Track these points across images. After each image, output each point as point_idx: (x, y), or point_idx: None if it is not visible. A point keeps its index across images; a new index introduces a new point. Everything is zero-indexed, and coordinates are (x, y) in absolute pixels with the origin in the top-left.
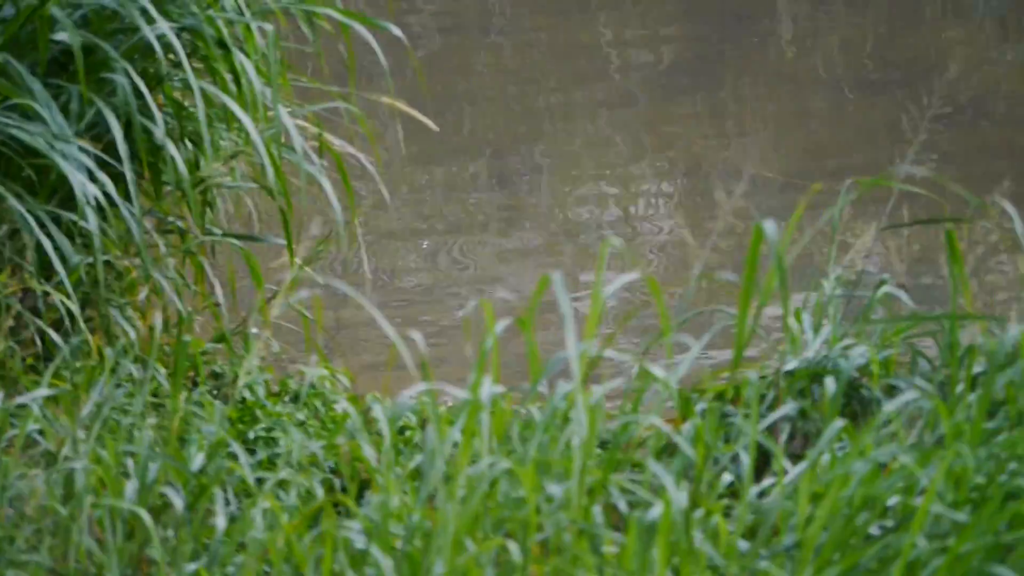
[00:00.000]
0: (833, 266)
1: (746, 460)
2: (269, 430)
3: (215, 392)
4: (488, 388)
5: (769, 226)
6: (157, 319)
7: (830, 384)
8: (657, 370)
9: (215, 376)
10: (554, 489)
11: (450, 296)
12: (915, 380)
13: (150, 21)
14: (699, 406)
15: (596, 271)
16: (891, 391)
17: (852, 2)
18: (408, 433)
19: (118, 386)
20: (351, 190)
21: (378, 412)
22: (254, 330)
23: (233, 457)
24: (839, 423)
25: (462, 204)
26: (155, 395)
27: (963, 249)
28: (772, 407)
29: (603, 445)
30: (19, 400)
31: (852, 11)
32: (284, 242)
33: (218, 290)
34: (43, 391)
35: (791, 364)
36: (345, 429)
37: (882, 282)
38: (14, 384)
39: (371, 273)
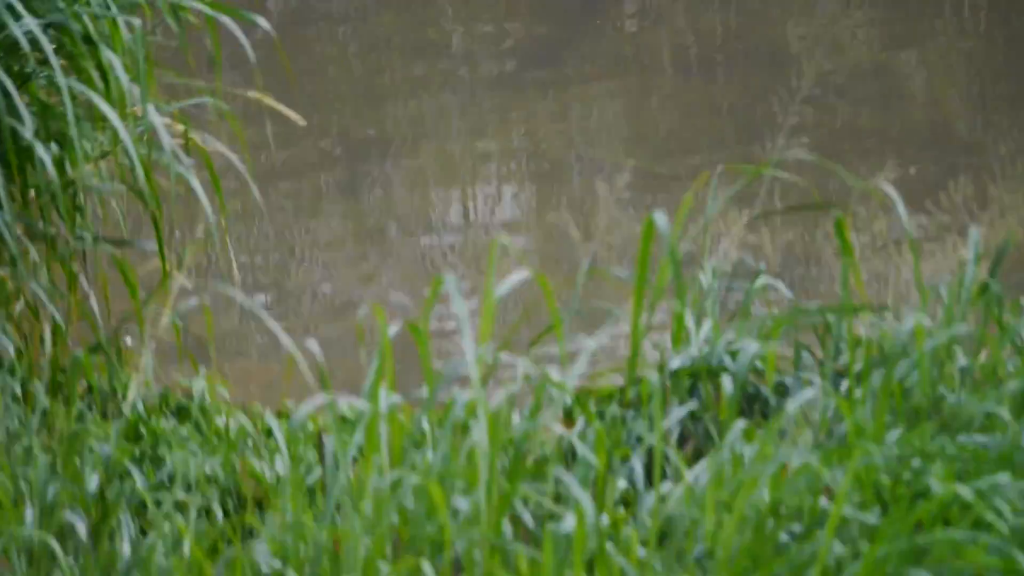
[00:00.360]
0: (708, 258)
1: (639, 468)
2: (154, 447)
3: (92, 407)
4: (386, 398)
5: (660, 218)
6: (46, 332)
7: (727, 383)
8: (554, 372)
9: (91, 389)
10: (461, 503)
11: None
12: (805, 375)
13: (16, 17)
14: (592, 408)
15: (487, 271)
16: (779, 388)
17: None
18: (300, 447)
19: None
20: (221, 192)
21: (274, 426)
22: (128, 340)
23: (129, 477)
24: (740, 424)
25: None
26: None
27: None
28: (626, 405)
29: (504, 451)
30: None
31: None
32: (156, 247)
33: (92, 299)
34: None
35: (676, 362)
36: (235, 444)
37: (758, 273)
38: None
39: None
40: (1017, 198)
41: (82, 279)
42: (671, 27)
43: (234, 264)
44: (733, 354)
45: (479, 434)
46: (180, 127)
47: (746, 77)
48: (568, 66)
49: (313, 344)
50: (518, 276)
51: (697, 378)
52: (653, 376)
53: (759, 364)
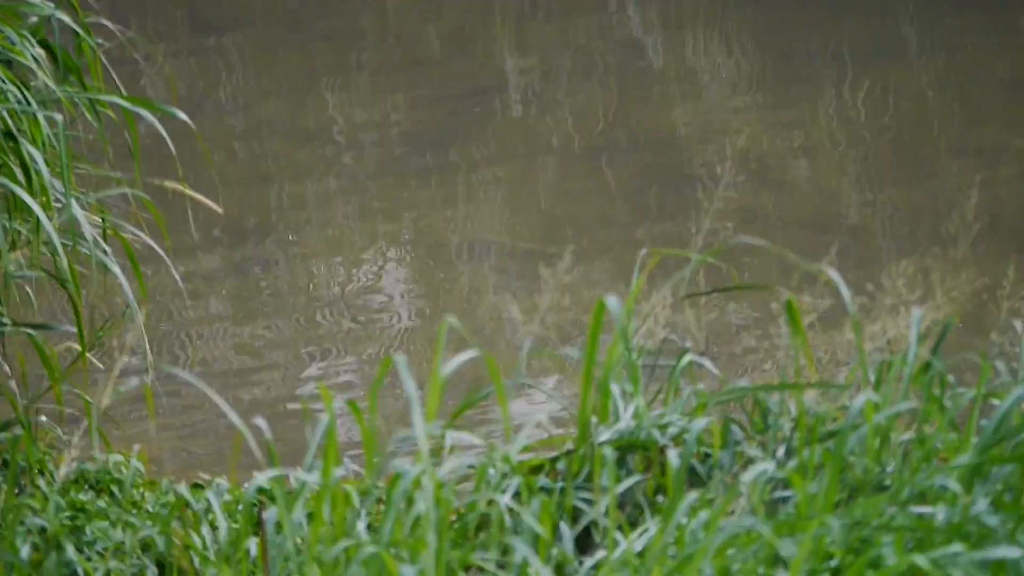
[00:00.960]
0: (634, 336)
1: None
2: (73, 519)
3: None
4: (334, 472)
5: (612, 301)
6: None
7: (673, 456)
8: (498, 446)
9: (4, 464)
10: (408, 571)
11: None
12: (749, 448)
13: None
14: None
15: (435, 351)
16: (705, 459)
17: (582, 74)
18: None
19: None
20: (141, 276)
21: (212, 498)
22: (43, 418)
23: (62, 549)
24: (693, 497)
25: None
26: None
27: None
28: (588, 478)
29: (448, 524)
30: None
31: (580, 84)
32: (74, 329)
33: (11, 380)
34: None
35: (604, 435)
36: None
37: (685, 351)
38: None
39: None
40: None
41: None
42: (555, 114)
43: (148, 350)
44: (662, 428)
45: (426, 504)
46: (99, 218)
47: (634, 161)
48: (454, 152)
49: (260, 421)
50: (465, 356)
51: (625, 451)
52: (610, 454)
53: (687, 438)
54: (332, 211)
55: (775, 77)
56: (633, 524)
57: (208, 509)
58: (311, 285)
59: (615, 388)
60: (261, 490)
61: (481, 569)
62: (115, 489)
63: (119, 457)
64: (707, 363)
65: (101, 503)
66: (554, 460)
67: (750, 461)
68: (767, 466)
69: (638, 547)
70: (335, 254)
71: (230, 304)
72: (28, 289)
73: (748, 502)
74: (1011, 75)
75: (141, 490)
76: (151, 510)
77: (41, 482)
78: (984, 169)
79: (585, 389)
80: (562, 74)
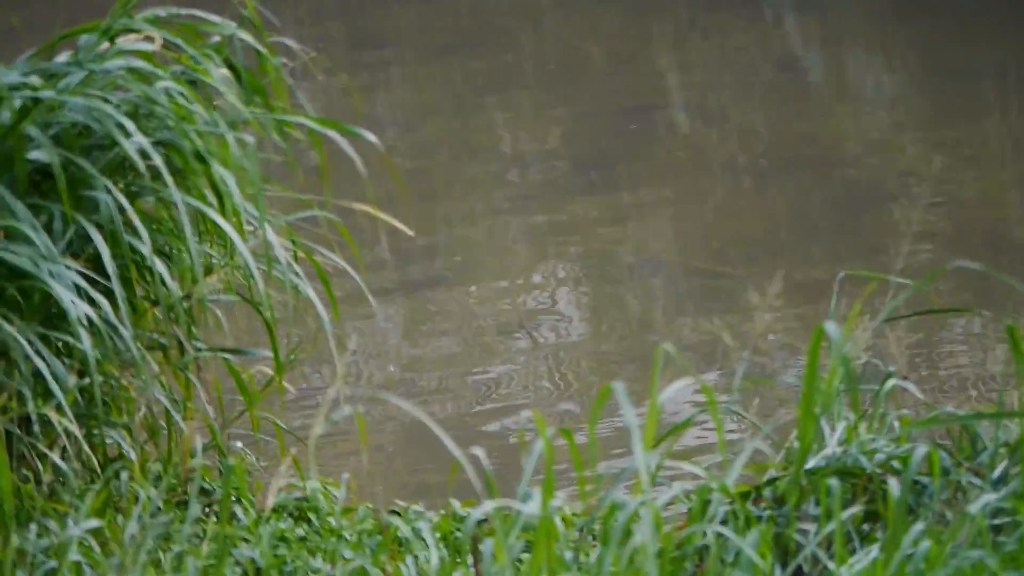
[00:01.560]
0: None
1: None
2: (273, 547)
3: (207, 510)
4: (551, 503)
5: (831, 327)
6: (197, 442)
7: (894, 486)
8: (707, 475)
9: (204, 493)
10: None
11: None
12: (959, 476)
13: (126, 136)
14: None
15: (651, 379)
16: (914, 487)
17: (745, 93)
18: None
19: (153, 515)
20: (335, 301)
21: (423, 527)
22: (238, 444)
23: None
24: (919, 527)
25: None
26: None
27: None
28: (796, 505)
29: (660, 555)
30: (70, 532)
31: (743, 100)
32: (269, 354)
33: (206, 406)
34: (92, 522)
35: (811, 462)
36: (370, 547)
37: (889, 375)
38: (29, 515)
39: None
40: None
41: (197, 386)
42: (722, 129)
43: (339, 368)
44: (869, 454)
45: (645, 536)
46: (289, 240)
47: (801, 180)
48: (618, 170)
49: (478, 450)
50: (682, 383)
51: (829, 477)
52: (835, 483)
53: (895, 464)
54: (500, 229)
55: (938, 92)
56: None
57: (414, 537)
58: (483, 304)
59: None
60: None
61: None
62: (312, 517)
63: (316, 484)
64: (911, 387)
65: (300, 531)
66: (759, 488)
67: (960, 489)
68: (991, 496)
69: None
70: (506, 275)
71: (401, 324)
72: (219, 313)
73: (970, 533)
74: None
75: (340, 518)
76: (349, 538)
77: (238, 511)
78: None
79: (805, 416)
80: (723, 90)
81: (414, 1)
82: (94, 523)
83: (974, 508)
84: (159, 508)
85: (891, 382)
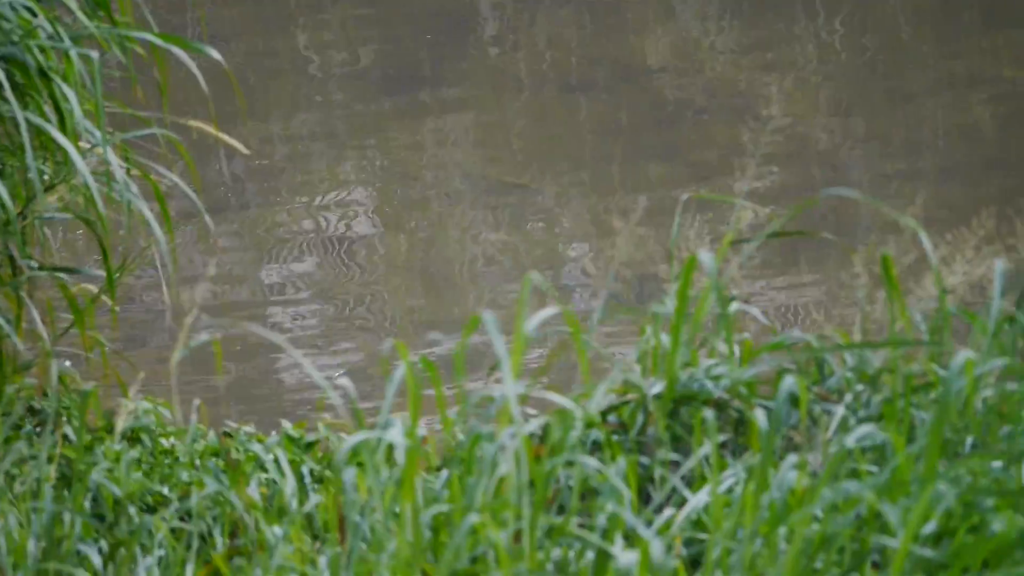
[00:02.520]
0: (674, 283)
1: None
2: (110, 471)
3: (38, 430)
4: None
5: (706, 256)
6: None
7: (760, 417)
8: (569, 403)
9: (33, 412)
10: (503, 537)
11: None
12: (822, 404)
13: None
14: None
15: (517, 308)
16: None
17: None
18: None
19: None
20: (171, 221)
21: (280, 453)
22: (67, 363)
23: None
24: (793, 459)
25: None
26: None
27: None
28: (641, 431)
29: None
30: None
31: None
32: (102, 273)
33: (39, 325)
34: None
35: (657, 387)
36: (230, 472)
37: (730, 299)
38: None
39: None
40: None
41: (29, 304)
42: (530, 51)
43: (165, 293)
44: (714, 379)
45: (512, 466)
46: (125, 159)
47: (617, 96)
48: (425, 83)
49: (345, 380)
50: (546, 312)
51: (678, 404)
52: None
53: (742, 390)
54: (312, 148)
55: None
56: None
57: (272, 463)
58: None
59: (665, 339)
60: (313, 444)
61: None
62: (145, 438)
63: (147, 404)
64: (755, 311)
65: (134, 453)
66: (603, 413)
67: (812, 416)
68: (869, 428)
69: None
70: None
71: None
72: (46, 231)
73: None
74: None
75: (171, 439)
76: (183, 460)
77: (68, 431)
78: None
79: (675, 343)
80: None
81: None
82: None
83: (850, 440)
84: (17, 432)
85: (734, 305)
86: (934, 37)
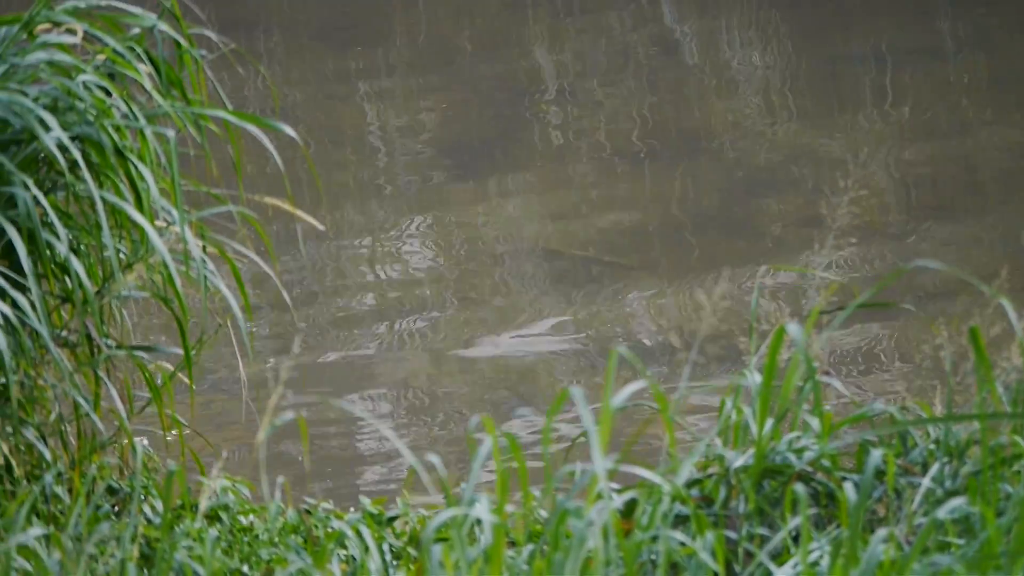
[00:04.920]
0: (754, 356)
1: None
2: (191, 550)
3: (116, 509)
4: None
5: (793, 328)
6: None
7: (850, 490)
8: (656, 478)
9: (111, 492)
10: None
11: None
12: (907, 478)
13: (46, 130)
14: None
15: (605, 381)
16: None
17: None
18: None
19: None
20: (247, 297)
21: (364, 531)
22: (145, 442)
23: None
24: (882, 533)
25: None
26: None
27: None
28: (724, 504)
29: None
30: (14, 541)
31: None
32: (179, 351)
33: (117, 403)
34: (37, 530)
35: (739, 460)
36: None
37: (812, 371)
38: None
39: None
40: None
41: (107, 382)
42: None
43: (243, 372)
44: (797, 452)
45: (600, 541)
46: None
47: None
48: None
49: (433, 456)
50: (634, 386)
51: (762, 476)
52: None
53: (825, 462)
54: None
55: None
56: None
57: (356, 538)
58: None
59: (747, 411)
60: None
61: None
62: (223, 515)
63: (225, 482)
64: (836, 383)
65: (214, 532)
66: (688, 486)
67: (897, 489)
68: (960, 501)
69: None
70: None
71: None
72: (122, 310)
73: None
74: None
75: (249, 517)
76: (262, 538)
77: (146, 509)
78: None
79: (762, 416)
80: (597, 74)
81: None
82: (39, 530)
83: (942, 512)
84: (97, 512)
85: (816, 377)
86: (996, 104)
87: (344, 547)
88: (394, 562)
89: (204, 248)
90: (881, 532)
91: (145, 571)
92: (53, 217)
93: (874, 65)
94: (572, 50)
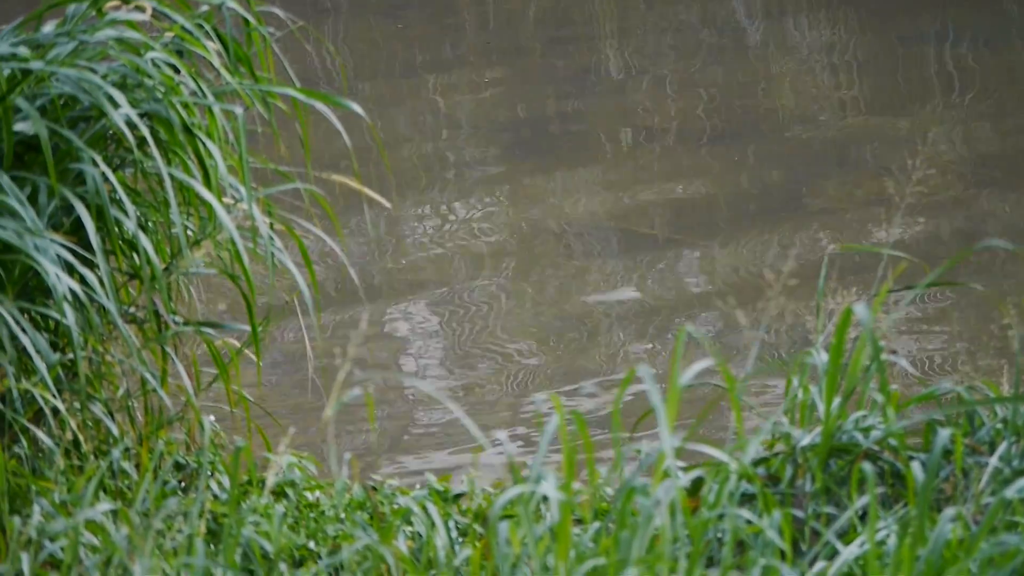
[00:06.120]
0: (821, 334)
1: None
2: (258, 525)
3: (183, 484)
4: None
5: (860, 309)
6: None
7: (917, 470)
8: (723, 456)
9: (178, 467)
10: None
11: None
12: (974, 457)
13: (114, 107)
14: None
15: (672, 360)
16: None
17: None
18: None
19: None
20: (314, 274)
21: (432, 509)
22: (211, 417)
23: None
24: (950, 512)
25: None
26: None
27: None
28: (790, 483)
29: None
30: (83, 516)
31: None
32: (246, 327)
33: (185, 380)
34: (105, 505)
35: (806, 439)
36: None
37: (879, 350)
38: (24, 492)
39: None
40: None
41: (175, 359)
42: (660, 102)
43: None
44: (864, 431)
45: (667, 519)
46: (268, 214)
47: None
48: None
49: (502, 435)
50: (701, 364)
51: (828, 455)
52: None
53: (892, 441)
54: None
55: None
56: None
57: (422, 514)
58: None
59: (814, 390)
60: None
61: None
62: (290, 492)
63: (291, 458)
64: (903, 362)
65: (280, 507)
66: (755, 464)
67: (964, 468)
68: None
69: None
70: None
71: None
72: (189, 287)
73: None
74: None
75: (316, 493)
76: (328, 514)
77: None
78: None
79: (830, 395)
80: (666, 56)
81: None
82: (107, 506)
83: (1011, 492)
84: (164, 488)
85: (883, 357)
86: None
87: (410, 524)
88: (460, 539)
89: (271, 225)
90: (949, 511)
91: (212, 546)
92: (121, 194)
93: (941, 45)
94: (639, 34)
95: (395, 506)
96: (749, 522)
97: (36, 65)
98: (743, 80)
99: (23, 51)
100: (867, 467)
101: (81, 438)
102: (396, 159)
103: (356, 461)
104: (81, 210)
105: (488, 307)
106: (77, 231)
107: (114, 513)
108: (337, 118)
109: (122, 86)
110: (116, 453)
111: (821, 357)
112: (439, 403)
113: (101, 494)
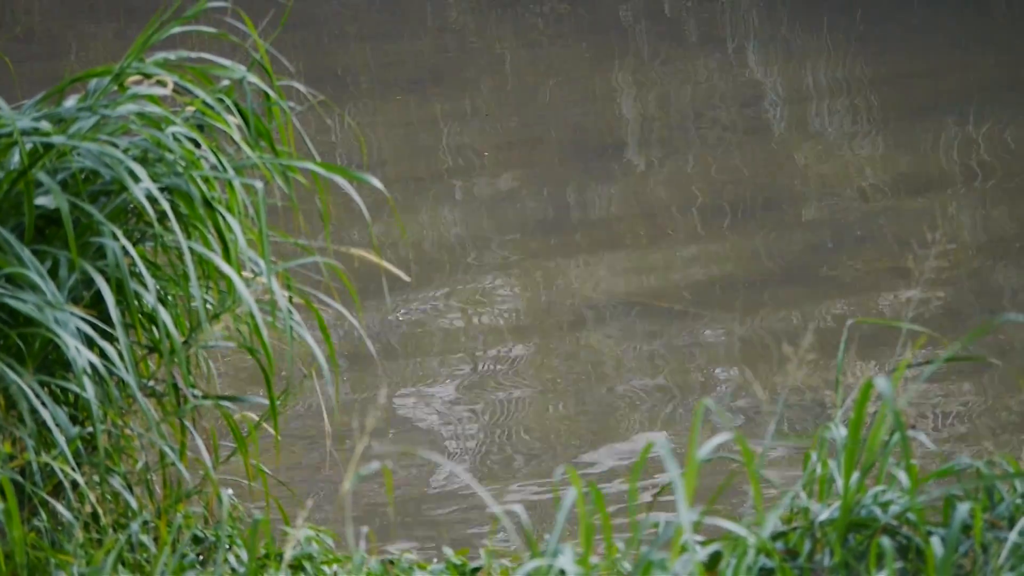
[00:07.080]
0: (840, 408)
1: None
2: None
3: (201, 558)
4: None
5: (881, 383)
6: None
7: (937, 545)
8: (742, 530)
9: (196, 540)
10: None
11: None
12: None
13: (135, 181)
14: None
15: (691, 434)
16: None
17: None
18: None
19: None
20: (332, 347)
21: None
22: (229, 491)
23: None
24: None
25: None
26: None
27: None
28: (808, 558)
29: None
30: None
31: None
32: (265, 401)
33: (203, 453)
34: None
35: (825, 513)
36: None
37: (901, 425)
38: (44, 565)
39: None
40: None
41: (192, 432)
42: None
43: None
44: (883, 506)
45: None
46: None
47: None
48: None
49: (516, 506)
50: (720, 438)
51: (848, 530)
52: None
53: (911, 516)
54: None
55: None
56: None
57: None
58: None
59: (832, 464)
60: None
61: None
62: (307, 565)
63: (308, 532)
64: (923, 437)
65: None
66: (773, 539)
67: (983, 543)
68: None
69: None
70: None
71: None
72: (208, 361)
73: None
74: None
75: (333, 567)
76: None
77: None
78: None
79: (848, 469)
80: (685, 129)
81: (373, 39)
82: None
83: None
84: (182, 561)
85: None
86: None
87: None
88: None
89: (290, 299)
90: None
91: None
92: (141, 267)
93: (961, 116)
94: (657, 100)
95: None
96: None
97: (58, 139)
98: (765, 163)
99: (45, 125)
100: (886, 542)
101: (100, 511)
102: (415, 226)
103: (373, 534)
104: (101, 284)
105: (504, 379)
106: (97, 304)
107: None
108: (356, 190)
109: (143, 160)
110: (135, 526)
111: (839, 431)
112: (457, 474)
113: (120, 567)
